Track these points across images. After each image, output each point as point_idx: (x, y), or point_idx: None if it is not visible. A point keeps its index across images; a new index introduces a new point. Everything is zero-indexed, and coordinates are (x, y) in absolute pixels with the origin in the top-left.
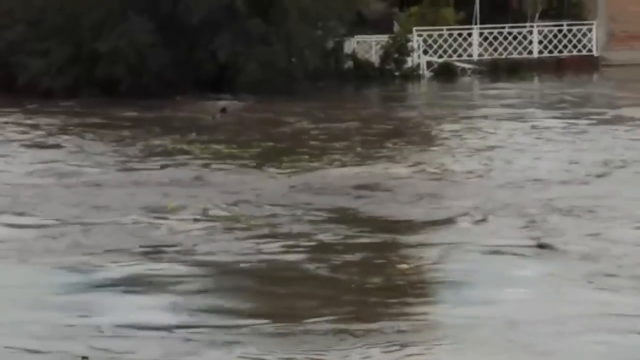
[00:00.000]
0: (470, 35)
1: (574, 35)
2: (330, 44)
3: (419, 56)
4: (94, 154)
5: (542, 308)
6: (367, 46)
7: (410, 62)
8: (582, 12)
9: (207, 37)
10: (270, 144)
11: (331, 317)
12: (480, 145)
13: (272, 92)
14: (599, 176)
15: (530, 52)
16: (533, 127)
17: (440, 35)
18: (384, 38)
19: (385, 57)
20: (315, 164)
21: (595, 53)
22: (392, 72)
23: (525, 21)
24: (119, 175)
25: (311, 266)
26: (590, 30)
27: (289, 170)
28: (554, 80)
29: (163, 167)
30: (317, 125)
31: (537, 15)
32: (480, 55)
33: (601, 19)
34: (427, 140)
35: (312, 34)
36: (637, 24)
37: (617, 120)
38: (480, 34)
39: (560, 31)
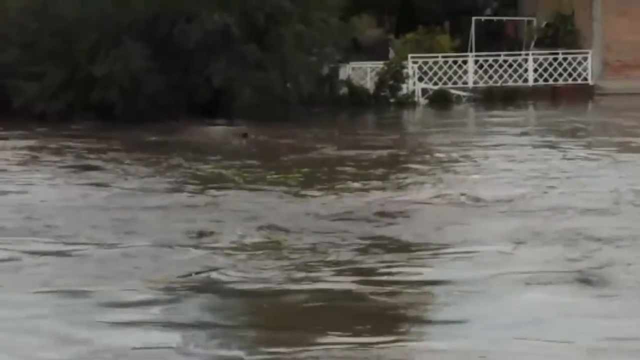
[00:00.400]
0: (465, 62)
1: (570, 64)
2: (325, 70)
3: (414, 83)
4: (143, 176)
5: None
6: (362, 72)
7: (405, 89)
8: (578, 40)
9: (202, 62)
10: (307, 169)
11: None
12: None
13: (267, 118)
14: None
15: (526, 80)
16: (553, 154)
17: (435, 63)
18: (379, 64)
19: (380, 83)
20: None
21: (590, 82)
22: (387, 99)
23: (520, 49)
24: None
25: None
26: (585, 59)
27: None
28: (549, 108)
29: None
30: (344, 153)
31: (532, 44)
32: (475, 82)
33: (597, 48)
34: (465, 168)
35: (307, 60)
36: (632, 53)
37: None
38: (476, 62)
39: (555, 59)
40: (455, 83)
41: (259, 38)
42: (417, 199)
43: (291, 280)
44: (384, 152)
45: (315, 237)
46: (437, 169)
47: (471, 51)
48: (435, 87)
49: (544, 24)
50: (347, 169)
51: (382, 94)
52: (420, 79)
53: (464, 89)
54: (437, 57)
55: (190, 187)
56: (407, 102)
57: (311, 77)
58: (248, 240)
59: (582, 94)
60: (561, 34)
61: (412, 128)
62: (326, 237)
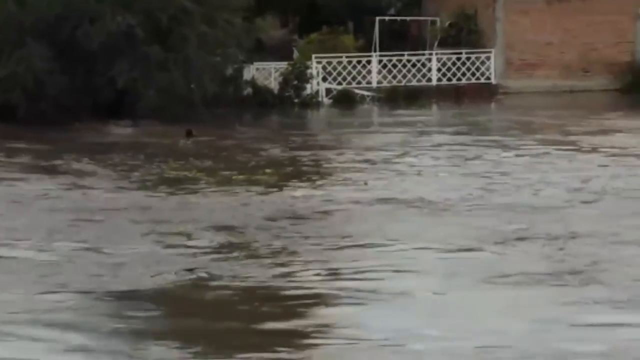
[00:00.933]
0: (369, 62)
1: (473, 63)
2: (229, 71)
3: (318, 83)
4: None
5: None
6: (267, 73)
7: (309, 89)
8: (481, 40)
9: (106, 63)
10: (271, 169)
11: None
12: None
13: (171, 119)
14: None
15: (430, 80)
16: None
17: (339, 63)
18: (283, 65)
19: (284, 83)
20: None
21: (493, 81)
22: (291, 99)
23: (424, 49)
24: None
25: None
26: (488, 58)
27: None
28: (453, 107)
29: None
30: (294, 153)
31: (436, 43)
32: (379, 82)
33: (499, 47)
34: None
35: (211, 61)
36: (534, 52)
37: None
38: (380, 62)
39: (459, 59)
40: (359, 83)
41: (162, 39)
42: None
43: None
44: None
45: None
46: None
47: (375, 51)
48: (340, 87)
49: (447, 23)
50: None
51: (287, 94)
52: (325, 79)
53: (368, 89)
54: (341, 57)
55: (164, 190)
56: (312, 102)
57: (215, 77)
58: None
59: (485, 92)
60: (464, 34)
61: (339, 129)
62: None
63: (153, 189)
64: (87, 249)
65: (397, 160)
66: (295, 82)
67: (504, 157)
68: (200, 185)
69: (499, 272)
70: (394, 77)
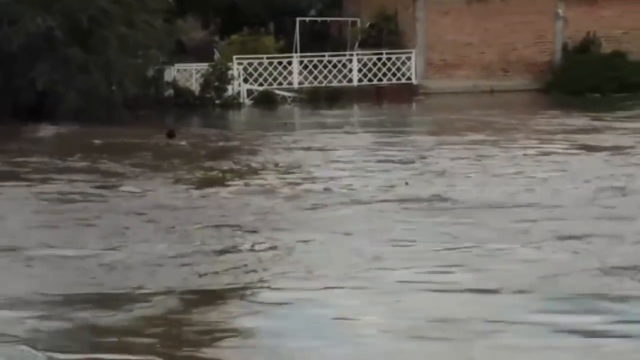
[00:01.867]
0: (290, 63)
1: (393, 64)
2: (150, 72)
3: (239, 84)
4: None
5: None
6: (188, 74)
7: (230, 90)
8: (402, 40)
9: (26, 65)
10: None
11: None
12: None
13: (93, 121)
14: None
15: (350, 81)
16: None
17: (260, 64)
18: (204, 66)
19: (205, 85)
20: None
21: (414, 81)
22: (212, 100)
23: (345, 49)
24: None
25: None
26: (409, 58)
27: None
28: (373, 108)
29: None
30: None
31: (356, 44)
32: (300, 83)
33: (420, 48)
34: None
35: (131, 62)
36: (454, 52)
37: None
38: (301, 62)
39: (379, 59)
40: (280, 84)
41: (83, 41)
42: None
43: None
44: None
45: None
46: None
47: (296, 52)
48: (261, 88)
49: (367, 24)
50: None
51: (208, 95)
52: (246, 80)
53: (289, 90)
54: (262, 58)
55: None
56: (233, 103)
57: (136, 79)
58: None
59: (406, 93)
60: (385, 34)
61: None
62: None
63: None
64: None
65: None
66: (217, 84)
67: (431, 155)
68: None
69: None
70: (315, 77)
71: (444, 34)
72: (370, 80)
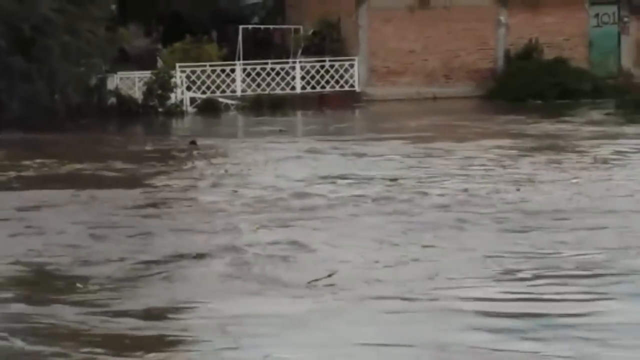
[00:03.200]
0: (233, 71)
1: (336, 71)
2: (93, 81)
3: (182, 92)
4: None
5: None
6: (131, 82)
7: (173, 98)
8: (345, 48)
9: None
10: None
11: None
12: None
13: (36, 129)
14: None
15: (294, 88)
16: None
17: (203, 72)
18: (147, 74)
19: (148, 93)
20: None
21: (357, 89)
22: (155, 108)
23: (288, 57)
24: None
25: None
26: (352, 66)
27: None
28: (316, 115)
29: None
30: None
31: (299, 51)
32: (243, 91)
33: (363, 55)
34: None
35: (74, 71)
36: (397, 59)
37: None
38: (244, 70)
39: (322, 67)
40: (223, 92)
41: (25, 49)
42: None
43: None
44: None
45: None
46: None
47: (239, 60)
48: (204, 96)
49: (310, 32)
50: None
51: (151, 103)
52: (189, 88)
53: (232, 98)
54: (205, 66)
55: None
56: (176, 111)
57: (79, 87)
58: None
59: (349, 100)
60: (328, 42)
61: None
62: None
63: None
64: None
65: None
66: (160, 92)
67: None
68: None
69: None
70: (258, 85)
71: (386, 41)
72: (313, 87)
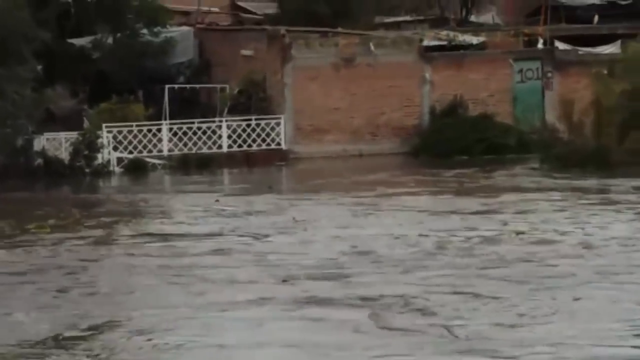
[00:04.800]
0: (159, 130)
1: (263, 130)
2: (19, 142)
3: (109, 152)
4: None
5: None
6: (57, 143)
7: (100, 158)
8: (271, 106)
9: None
10: None
11: None
12: None
13: None
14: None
15: (220, 147)
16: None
17: (130, 132)
18: (74, 135)
19: (75, 153)
20: None
21: (284, 146)
22: (82, 169)
23: (214, 116)
24: None
25: None
26: (278, 124)
27: None
28: (243, 173)
29: None
30: None
31: (225, 110)
32: (170, 150)
33: (289, 113)
34: None
35: (0, 133)
36: (323, 117)
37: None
38: (170, 129)
39: (249, 125)
40: (150, 151)
41: None
42: None
43: None
44: None
45: None
46: None
47: (165, 119)
48: (131, 156)
49: (236, 90)
50: None
51: (78, 164)
52: (115, 148)
53: (159, 157)
54: (131, 125)
55: None
56: (103, 171)
57: (5, 148)
58: None
59: (275, 158)
60: (254, 100)
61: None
62: None
63: None
64: None
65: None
66: (86, 152)
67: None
68: None
69: None
70: (185, 144)
71: (312, 99)
72: (240, 146)
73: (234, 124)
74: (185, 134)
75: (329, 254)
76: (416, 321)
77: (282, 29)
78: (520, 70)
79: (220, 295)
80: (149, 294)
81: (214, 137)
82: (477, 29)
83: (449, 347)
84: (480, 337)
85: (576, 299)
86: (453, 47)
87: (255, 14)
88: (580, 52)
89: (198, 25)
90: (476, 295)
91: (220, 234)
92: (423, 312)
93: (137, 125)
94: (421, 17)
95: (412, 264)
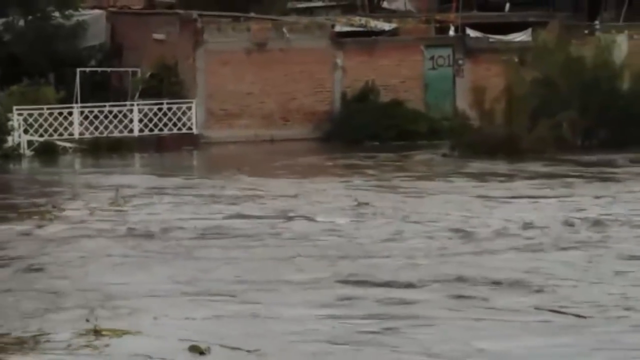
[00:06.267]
0: (71, 114)
1: (174, 114)
2: None
3: (19, 135)
4: None
5: None
6: None
7: (10, 141)
8: (183, 90)
9: None
10: None
11: None
12: None
13: None
14: None
15: (132, 131)
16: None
17: (41, 115)
18: None
19: None
20: None
21: (195, 131)
22: None
23: (126, 100)
24: None
25: None
26: (190, 108)
27: None
28: (154, 157)
29: None
30: None
31: (137, 94)
32: (81, 134)
33: (201, 98)
34: None
35: None
36: (235, 102)
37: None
38: (82, 113)
39: (160, 109)
40: (61, 134)
41: None
42: None
43: None
44: None
45: None
46: None
47: (77, 102)
48: (42, 139)
49: (148, 74)
50: None
51: None
52: (26, 131)
53: (70, 140)
54: (42, 109)
55: None
56: (13, 154)
57: None
58: None
59: (187, 142)
60: (166, 84)
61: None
62: None
63: None
64: None
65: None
66: None
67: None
68: None
69: None
70: (96, 128)
71: (224, 83)
72: (151, 130)
73: (146, 108)
74: (96, 117)
75: None
76: None
77: (195, 13)
78: (432, 57)
79: None
80: None
81: (125, 121)
82: (390, 15)
83: None
84: None
85: None
86: (365, 33)
87: None
88: (491, 40)
89: (110, 9)
90: None
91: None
92: None
93: (48, 109)
94: (334, 3)
95: None
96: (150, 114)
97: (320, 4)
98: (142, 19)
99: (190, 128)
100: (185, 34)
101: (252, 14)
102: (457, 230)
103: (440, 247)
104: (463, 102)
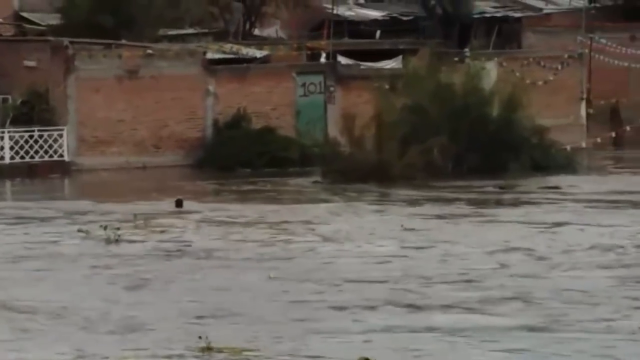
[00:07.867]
0: None
1: (45, 141)
2: None
3: None
4: None
5: None
6: None
7: None
8: (54, 117)
9: None
10: None
11: None
12: None
13: None
14: None
15: (2, 158)
16: None
17: None
18: None
19: None
20: None
21: (66, 158)
22: None
23: None
24: None
25: None
26: (61, 135)
27: None
28: (26, 185)
29: None
30: None
31: (8, 121)
32: None
33: (72, 125)
34: None
35: None
36: (106, 129)
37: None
38: None
39: (31, 137)
40: None
41: None
42: None
43: None
44: None
45: None
46: None
47: None
48: None
49: (19, 101)
50: None
51: None
52: None
53: None
54: None
55: None
56: None
57: None
58: None
59: (59, 170)
60: (37, 111)
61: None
62: None
63: None
64: None
65: None
66: None
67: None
68: None
69: None
70: None
71: (95, 110)
72: (22, 157)
73: (17, 135)
74: None
75: None
76: None
77: (66, 40)
78: (303, 84)
79: None
80: None
81: None
82: (261, 42)
83: None
84: None
85: None
86: (237, 60)
87: (39, 24)
88: (362, 67)
89: None
90: None
91: None
92: None
93: None
94: (205, 30)
95: None
96: (22, 141)
97: (191, 31)
98: (13, 45)
99: (61, 155)
100: (56, 60)
101: (124, 41)
102: None
103: None
104: (334, 129)
